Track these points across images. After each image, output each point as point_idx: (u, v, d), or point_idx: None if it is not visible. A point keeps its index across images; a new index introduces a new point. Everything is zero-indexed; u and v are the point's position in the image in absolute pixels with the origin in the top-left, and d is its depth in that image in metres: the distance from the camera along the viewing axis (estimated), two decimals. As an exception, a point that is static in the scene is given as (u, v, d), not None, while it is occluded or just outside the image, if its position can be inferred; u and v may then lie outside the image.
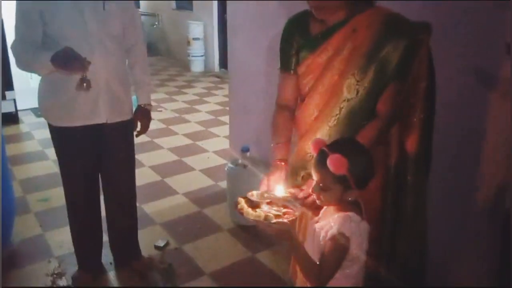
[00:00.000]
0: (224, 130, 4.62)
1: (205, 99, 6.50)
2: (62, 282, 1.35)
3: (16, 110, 5.09)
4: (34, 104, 2.17)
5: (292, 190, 1.49)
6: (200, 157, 4.22)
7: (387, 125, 1.56)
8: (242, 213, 1.35)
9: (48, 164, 3.94)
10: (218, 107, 5.98)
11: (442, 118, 1.66)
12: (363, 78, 1.51)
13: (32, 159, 4.11)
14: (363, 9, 1.53)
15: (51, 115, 2.10)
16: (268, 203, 1.39)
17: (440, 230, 1.84)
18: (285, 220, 1.28)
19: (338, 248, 1.27)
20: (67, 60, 1.81)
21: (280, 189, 1.46)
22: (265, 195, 1.43)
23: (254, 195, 1.42)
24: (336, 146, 1.30)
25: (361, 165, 1.26)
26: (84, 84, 1.87)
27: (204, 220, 3.03)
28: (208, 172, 3.84)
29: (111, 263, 2.48)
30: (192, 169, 3.93)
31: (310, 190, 1.38)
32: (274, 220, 1.26)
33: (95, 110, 2.06)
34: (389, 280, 1.93)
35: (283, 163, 1.61)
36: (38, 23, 1.91)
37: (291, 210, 1.36)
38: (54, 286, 1.30)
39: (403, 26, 1.51)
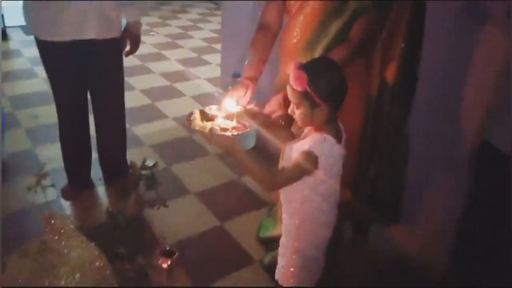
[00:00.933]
0: (217, 58, 4.55)
1: (200, 25, 6.32)
2: (47, 182, 1.40)
3: (4, 26, 4.94)
4: (23, 21, 2.11)
5: (255, 108, 1.49)
6: (191, 83, 4.19)
7: (353, 49, 1.55)
8: (190, 124, 1.36)
9: (38, 81, 3.91)
10: (213, 35, 5.85)
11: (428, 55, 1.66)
12: (345, 2, 1.50)
13: (21, 77, 4.06)
14: None
15: (38, 28, 2.06)
16: (225, 118, 1.39)
17: (417, 164, 1.90)
18: (229, 134, 1.30)
19: (302, 164, 1.28)
20: None
21: (234, 105, 1.45)
22: (222, 109, 1.43)
23: (211, 108, 1.43)
24: (304, 64, 1.30)
25: (323, 80, 1.26)
26: None
27: (193, 144, 3.08)
28: (199, 98, 3.84)
29: (100, 179, 2.56)
30: (183, 94, 3.93)
31: (289, 111, 1.37)
32: (218, 133, 1.29)
33: (83, 24, 2.02)
34: (363, 209, 2.04)
35: (249, 82, 1.59)
36: None
37: (241, 126, 1.37)
38: (40, 185, 1.36)
39: None
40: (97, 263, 0.94)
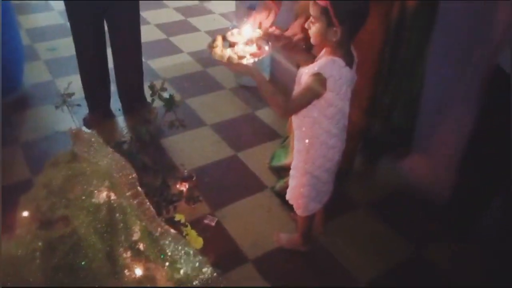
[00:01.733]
0: (233, -8, 4.45)
1: (214, -41, 6.11)
2: (72, 101, 1.48)
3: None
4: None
5: (276, 31, 1.48)
6: (206, 18, 4.15)
7: None
8: (211, 52, 1.39)
9: (54, 15, 3.91)
10: (228, -31, 5.66)
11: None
12: None
13: (37, 10, 4.06)
14: None
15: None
16: (246, 43, 1.40)
17: (431, 91, 1.91)
18: (245, 61, 1.32)
19: (313, 85, 1.32)
20: None
21: (254, 29, 1.46)
22: (241, 33, 1.43)
23: (233, 34, 1.44)
24: None
25: (347, 1, 1.26)
26: None
27: (208, 79, 3.12)
28: (214, 33, 3.78)
29: (119, 110, 2.64)
30: (197, 29, 3.90)
31: (306, 25, 1.38)
32: (235, 61, 1.32)
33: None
34: (380, 135, 2.08)
35: (272, 4, 1.57)
36: None
37: (259, 52, 1.38)
38: (66, 104, 1.43)
39: None
40: (124, 171, 1.03)
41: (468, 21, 1.81)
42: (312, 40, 1.37)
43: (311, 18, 1.33)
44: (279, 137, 2.50)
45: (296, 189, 1.61)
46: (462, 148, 1.77)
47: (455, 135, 1.95)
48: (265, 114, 2.73)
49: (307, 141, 1.48)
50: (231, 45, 1.40)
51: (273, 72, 2.87)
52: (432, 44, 1.76)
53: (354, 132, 1.90)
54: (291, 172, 1.64)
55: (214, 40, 1.43)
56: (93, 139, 1.10)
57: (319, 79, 1.32)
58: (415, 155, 2.07)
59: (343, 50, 1.35)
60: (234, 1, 3.82)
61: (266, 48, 1.38)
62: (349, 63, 1.36)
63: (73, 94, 1.48)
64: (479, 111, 1.66)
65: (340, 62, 1.33)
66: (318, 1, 1.26)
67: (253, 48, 1.39)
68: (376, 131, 2.00)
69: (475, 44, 1.81)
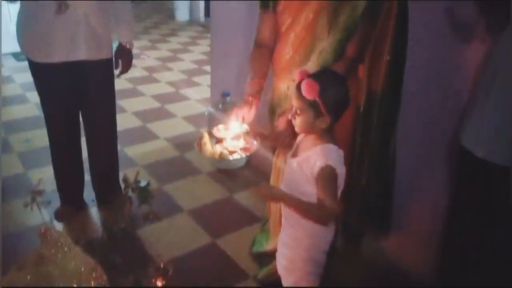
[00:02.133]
0: (207, 79, 4.59)
1: (189, 48, 6.43)
2: (42, 198, 1.42)
3: (-5, 53, 4.99)
4: (15, 48, 2.16)
5: (261, 130, 1.54)
6: (182, 104, 4.25)
7: (350, 66, 1.62)
8: (200, 149, 1.40)
9: (30, 107, 3.94)
10: (202, 57, 5.94)
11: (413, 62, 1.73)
12: (336, 17, 1.56)
13: (13, 102, 4.09)
14: None
15: (30, 50, 2.11)
16: (233, 138, 1.43)
17: (403, 171, 1.95)
18: (237, 156, 1.34)
19: (331, 179, 1.32)
20: None
21: (240, 124, 1.49)
22: (227, 129, 1.47)
23: (220, 129, 1.47)
24: (314, 74, 1.37)
25: (332, 92, 1.32)
26: (63, 6, 1.88)
27: (185, 164, 3.12)
28: (190, 118, 3.89)
29: (93, 200, 2.57)
30: (174, 115, 3.98)
31: (289, 116, 1.41)
32: (229, 157, 1.33)
33: (74, 45, 2.06)
34: (355, 219, 2.07)
35: (252, 98, 1.64)
36: None
37: (248, 146, 1.40)
38: (35, 202, 1.38)
39: None
40: (94, 274, 0.96)
41: (427, 98, 1.90)
42: (298, 129, 1.40)
43: (294, 109, 1.37)
44: (258, 220, 2.45)
45: (300, 282, 1.51)
46: (439, 225, 1.77)
47: (431, 213, 1.96)
48: (243, 197, 2.70)
49: (310, 231, 1.44)
50: (218, 141, 1.42)
51: (249, 159, 2.90)
52: (401, 124, 1.82)
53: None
54: (287, 265, 1.54)
55: (201, 138, 1.45)
56: (61, 239, 1.05)
57: (330, 170, 1.32)
58: (395, 234, 2.05)
59: (330, 134, 1.39)
60: (209, 88, 3.97)
61: (255, 142, 1.40)
62: (337, 144, 1.40)
63: (43, 191, 1.43)
64: (451, 189, 1.68)
65: (334, 147, 1.36)
66: (306, 95, 1.29)
67: (242, 143, 1.41)
68: (354, 212, 1.99)
69: (437, 122, 1.90)
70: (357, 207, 1.98)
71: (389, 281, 2.04)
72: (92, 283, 0.95)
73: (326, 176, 1.32)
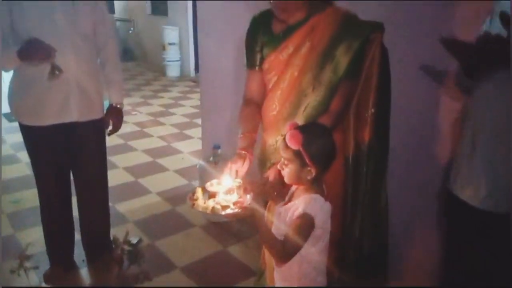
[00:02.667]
0: (199, 132, 4.65)
1: (181, 102, 6.54)
2: (30, 263, 1.39)
3: (-13, 114, 5.03)
4: (6, 109, 2.19)
5: (251, 185, 1.53)
6: (174, 158, 4.26)
7: (335, 120, 1.65)
8: (193, 205, 1.40)
9: (21, 167, 3.93)
10: (194, 110, 6.03)
11: (397, 112, 1.78)
12: (319, 74, 1.62)
13: (4, 163, 4.07)
14: (323, 8, 1.64)
15: (22, 114, 2.13)
16: (225, 192, 1.43)
17: (396, 220, 1.94)
18: (230, 211, 1.34)
19: (303, 227, 1.34)
20: (32, 49, 1.85)
21: (231, 179, 1.51)
22: (221, 184, 1.47)
23: (213, 184, 1.48)
24: (301, 126, 1.42)
25: (316, 143, 1.35)
26: (56, 72, 1.92)
27: (177, 218, 3.08)
28: (182, 172, 3.89)
29: (83, 261, 2.51)
30: (166, 169, 3.97)
31: (278, 166, 1.43)
32: (221, 212, 1.34)
33: (66, 108, 2.10)
34: (354, 265, 2.03)
35: (244, 152, 1.65)
36: (6, 20, 1.94)
37: (242, 200, 1.41)
38: (23, 267, 1.33)
39: (356, 27, 1.62)
40: None
41: (415, 144, 1.93)
42: (287, 180, 1.42)
43: (283, 160, 1.39)
44: (253, 274, 2.39)
45: None
46: (436, 271, 1.74)
47: (427, 258, 1.93)
48: (237, 250, 2.65)
49: (296, 285, 1.43)
50: (211, 195, 1.42)
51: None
52: (390, 170, 1.83)
53: (331, 264, 1.86)
54: None
55: (193, 193, 1.45)
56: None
57: (307, 218, 1.34)
58: (392, 282, 2.00)
59: (317, 185, 1.41)
60: (201, 141, 4.01)
61: (248, 196, 1.40)
62: (324, 196, 1.41)
63: (31, 256, 1.40)
64: (443, 235, 1.68)
65: (320, 198, 1.38)
66: (290, 145, 1.33)
67: (235, 197, 1.41)
68: (350, 261, 1.96)
69: (422, 168, 1.92)
70: (353, 254, 1.95)
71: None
72: None
73: (302, 222, 1.34)
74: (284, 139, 1.37)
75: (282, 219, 1.43)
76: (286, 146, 1.35)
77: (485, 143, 1.44)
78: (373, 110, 1.71)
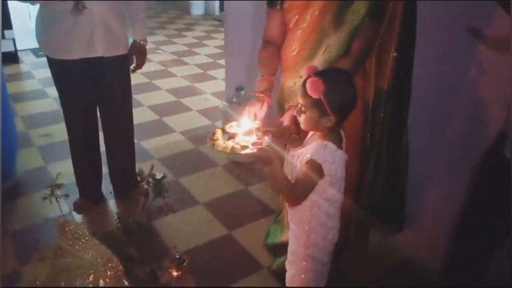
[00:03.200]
0: (222, 72, 4.61)
1: (205, 42, 6.46)
2: (61, 192, 1.47)
3: (16, 50, 5.11)
4: (34, 44, 2.22)
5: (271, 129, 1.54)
6: (197, 98, 4.29)
7: (356, 63, 1.60)
8: (213, 145, 1.42)
9: (49, 101, 4.03)
10: (218, 50, 5.97)
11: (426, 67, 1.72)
12: (341, 14, 1.57)
13: (33, 97, 4.19)
14: None
15: (49, 48, 2.16)
16: (244, 133, 1.44)
17: (419, 168, 1.94)
18: (248, 151, 1.34)
19: (310, 173, 1.33)
20: None
21: (250, 121, 1.51)
22: (240, 126, 1.48)
23: (232, 126, 1.49)
24: (322, 72, 1.34)
25: (338, 93, 1.31)
26: (80, 7, 1.92)
27: (200, 156, 3.15)
28: (205, 112, 3.93)
29: (110, 192, 2.63)
30: (190, 109, 4.01)
31: (295, 113, 1.41)
32: (240, 152, 1.35)
33: (91, 43, 2.11)
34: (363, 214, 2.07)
35: (263, 95, 1.64)
36: None
37: (259, 141, 1.42)
38: (54, 195, 1.42)
39: None
40: (110, 264, 1.00)
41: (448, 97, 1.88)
42: (304, 127, 1.40)
43: (299, 106, 1.37)
44: (273, 212, 2.47)
45: (298, 276, 1.54)
46: (454, 220, 1.76)
47: (446, 207, 1.94)
48: (258, 190, 2.72)
49: (306, 226, 1.46)
50: (231, 136, 1.44)
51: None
52: (413, 122, 1.81)
53: (347, 206, 1.90)
54: (289, 257, 1.58)
55: (213, 134, 1.47)
56: (79, 231, 1.08)
57: (314, 165, 1.33)
58: (408, 229, 2.04)
59: (333, 133, 1.38)
60: (224, 82, 4.00)
61: (266, 138, 1.42)
62: (339, 145, 1.38)
63: (62, 184, 1.48)
64: (471, 186, 1.66)
65: (331, 146, 1.35)
66: (311, 94, 1.28)
67: (254, 138, 1.42)
68: (366, 205, 1.99)
69: (449, 121, 1.87)
70: (364, 203, 1.98)
71: (398, 275, 2.04)
72: (108, 273, 0.98)
73: (308, 168, 1.33)
74: (304, 84, 1.32)
75: (293, 164, 1.43)
76: (305, 93, 1.30)
77: None
78: (395, 54, 1.66)
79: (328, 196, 1.41)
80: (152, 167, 1.56)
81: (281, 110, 1.80)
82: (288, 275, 1.61)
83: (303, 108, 1.35)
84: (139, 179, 1.54)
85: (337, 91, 1.31)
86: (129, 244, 1.25)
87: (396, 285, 1.98)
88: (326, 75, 1.32)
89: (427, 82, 1.86)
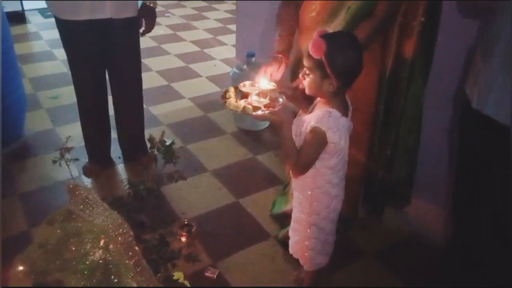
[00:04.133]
0: (232, 38, 4.53)
1: (215, 6, 6.31)
2: (70, 155, 1.46)
3: (23, 9, 5.02)
4: (41, 4, 2.17)
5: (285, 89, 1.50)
6: (207, 64, 4.22)
7: (382, 24, 1.55)
8: (225, 102, 1.39)
9: (57, 64, 3.99)
10: (228, 15, 5.83)
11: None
12: None
13: (41, 59, 4.14)
14: None
15: (57, 8, 2.11)
16: (257, 94, 1.40)
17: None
18: (260, 112, 1.31)
19: (313, 141, 1.32)
20: None
21: (267, 81, 1.47)
22: (255, 85, 1.44)
23: (246, 85, 1.45)
24: (329, 34, 1.30)
25: (340, 54, 1.27)
26: None
27: (209, 124, 3.13)
28: (214, 79, 3.87)
29: (119, 157, 2.63)
30: (199, 75, 3.96)
31: (300, 76, 1.38)
32: (252, 113, 1.31)
33: (100, 4, 2.06)
34: (381, 184, 2.05)
35: (281, 56, 1.60)
36: None
37: (273, 103, 1.38)
38: (64, 158, 1.41)
39: None
40: (120, 230, 0.99)
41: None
42: (307, 91, 1.36)
43: (305, 69, 1.33)
44: (280, 182, 2.46)
45: (301, 242, 1.56)
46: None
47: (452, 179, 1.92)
48: (266, 159, 2.71)
49: (309, 192, 1.45)
50: (244, 96, 1.40)
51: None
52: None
53: (356, 178, 1.88)
54: (292, 225, 1.59)
55: (226, 91, 1.43)
56: (89, 196, 1.07)
57: (318, 132, 1.31)
58: (418, 201, 2.02)
59: (338, 100, 1.35)
60: (234, 48, 3.92)
61: (280, 100, 1.38)
62: (344, 112, 1.36)
63: (71, 148, 1.47)
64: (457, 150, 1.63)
65: (335, 113, 1.32)
66: (313, 53, 1.25)
67: (267, 100, 1.39)
68: (378, 180, 1.97)
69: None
70: (381, 177, 1.95)
71: (407, 246, 2.04)
72: (119, 239, 0.98)
73: (313, 136, 1.31)
74: (308, 47, 1.28)
75: (300, 129, 1.40)
76: (309, 54, 1.28)
77: (503, 53, 1.31)
78: (422, 19, 1.60)
79: (331, 165, 1.40)
80: (162, 134, 1.54)
81: (294, 75, 1.75)
82: (291, 242, 1.62)
83: (307, 71, 1.32)
84: (149, 145, 1.51)
85: (340, 52, 1.27)
86: (139, 210, 1.25)
87: (401, 258, 1.98)
88: (331, 36, 1.29)
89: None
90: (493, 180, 1.42)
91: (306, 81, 1.34)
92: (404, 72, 1.69)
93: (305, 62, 1.32)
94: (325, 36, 1.27)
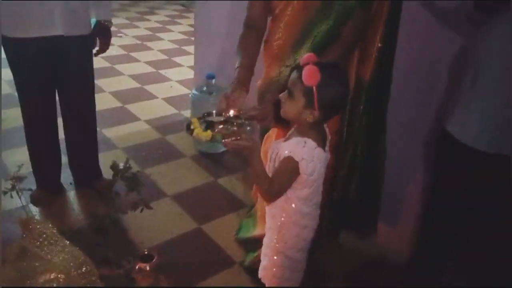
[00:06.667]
0: (188, 60, 4.50)
1: (169, 27, 6.25)
2: (23, 185, 1.33)
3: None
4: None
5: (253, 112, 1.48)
6: (162, 85, 4.12)
7: (346, 50, 1.56)
8: (191, 133, 1.34)
9: (2, 85, 3.73)
10: (182, 36, 5.78)
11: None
12: (330, 3, 1.50)
13: (-18, 79, 3.87)
14: None
15: (5, 25, 1.97)
16: (221, 123, 1.37)
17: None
18: (229, 140, 1.26)
19: (286, 170, 1.29)
20: None
21: (227, 110, 1.44)
22: (217, 114, 1.42)
23: (210, 115, 1.41)
24: (322, 64, 1.25)
25: (333, 89, 1.24)
26: None
27: (167, 147, 3.03)
28: (171, 100, 3.78)
29: (71, 183, 2.47)
30: (155, 97, 3.85)
31: (280, 96, 1.33)
32: (221, 140, 1.27)
33: (51, 20, 1.96)
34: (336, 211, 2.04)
35: (242, 84, 1.55)
36: None
37: (239, 130, 1.35)
38: (16, 189, 1.28)
39: None
40: (84, 268, 0.89)
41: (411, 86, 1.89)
42: (284, 114, 1.32)
43: (287, 92, 1.29)
44: (243, 205, 2.41)
45: (269, 268, 1.50)
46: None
47: (412, 201, 1.96)
48: (228, 182, 2.65)
49: (279, 221, 1.40)
50: (210, 125, 1.35)
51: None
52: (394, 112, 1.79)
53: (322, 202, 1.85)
54: (263, 249, 1.53)
55: (190, 123, 1.37)
56: (46, 232, 0.97)
57: (291, 162, 1.27)
58: (383, 224, 2.02)
59: (315, 130, 1.31)
60: (191, 70, 3.87)
61: (248, 128, 1.34)
62: (321, 143, 1.32)
63: (24, 177, 1.34)
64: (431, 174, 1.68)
65: (310, 143, 1.28)
66: (305, 81, 1.21)
67: (234, 128, 1.35)
68: (338, 204, 1.95)
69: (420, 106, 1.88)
70: (337, 199, 1.93)
71: (374, 268, 2.04)
72: (82, 280, 0.88)
73: (285, 165, 1.28)
74: (298, 70, 1.25)
75: (273, 156, 1.37)
76: (298, 80, 1.23)
77: (486, 81, 1.39)
78: (379, 45, 1.63)
79: (302, 195, 1.36)
80: (127, 160, 1.45)
81: (261, 100, 1.72)
82: (261, 266, 1.56)
83: (290, 94, 1.28)
84: (111, 172, 1.42)
85: (331, 86, 1.24)
86: (102, 243, 1.15)
87: (368, 278, 1.97)
88: (325, 67, 1.24)
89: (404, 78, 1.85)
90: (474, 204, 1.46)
91: (286, 105, 1.30)
92: (361, 94, 1.71)
93: (291, 85, 1.28)
94: (321, 66, 1.22)
